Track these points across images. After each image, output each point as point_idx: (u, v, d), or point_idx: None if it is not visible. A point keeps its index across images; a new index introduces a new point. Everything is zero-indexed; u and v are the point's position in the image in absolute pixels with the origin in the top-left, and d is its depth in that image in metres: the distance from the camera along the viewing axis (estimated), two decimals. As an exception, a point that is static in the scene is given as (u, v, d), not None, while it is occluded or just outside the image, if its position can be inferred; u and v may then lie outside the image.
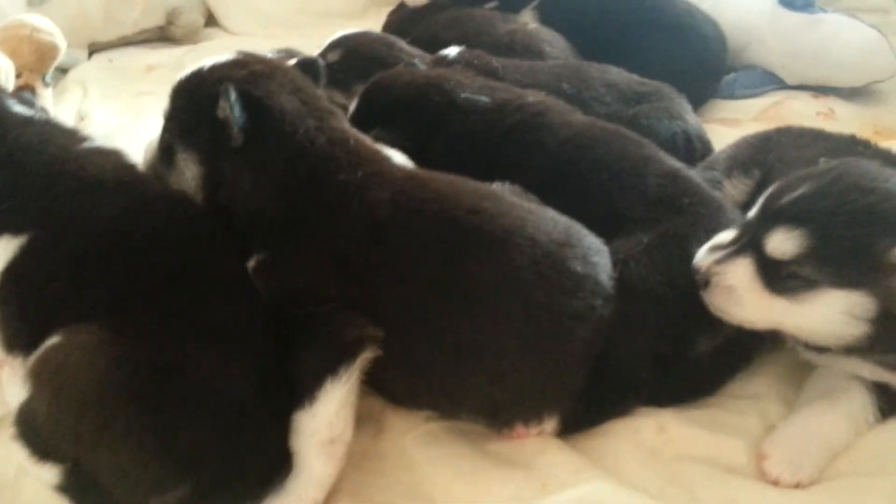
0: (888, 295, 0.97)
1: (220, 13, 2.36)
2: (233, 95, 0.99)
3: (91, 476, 0.91)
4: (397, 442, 1.07)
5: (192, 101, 1.06)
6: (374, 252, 0.98)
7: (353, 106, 1.46)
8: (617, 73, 1.62)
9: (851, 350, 1.03)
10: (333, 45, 1.65)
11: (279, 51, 1.80)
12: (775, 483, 1.04)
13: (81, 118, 1.86)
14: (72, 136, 1.16)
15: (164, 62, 2.13)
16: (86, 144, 1.15)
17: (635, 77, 1.63)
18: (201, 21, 2.30)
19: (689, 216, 1.20)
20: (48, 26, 1.50)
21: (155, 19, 2.23)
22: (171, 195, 1.07)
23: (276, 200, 1.01)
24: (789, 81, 2.00)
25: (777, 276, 1.01)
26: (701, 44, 1.92)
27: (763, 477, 1.05)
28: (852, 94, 1.97)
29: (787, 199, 1.03)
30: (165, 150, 1.08)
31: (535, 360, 1.03)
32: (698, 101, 1.88)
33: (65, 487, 0.93)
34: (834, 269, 0.98)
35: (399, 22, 2.10)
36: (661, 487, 1.05)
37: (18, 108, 1.18)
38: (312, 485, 0.93)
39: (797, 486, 1.04)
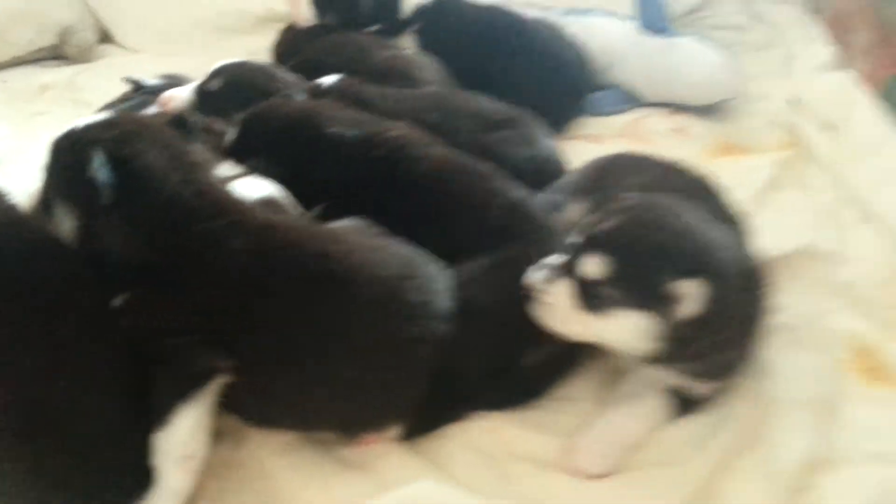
0: (670, 319, 1.15)
1: (115, 30, 2.40)
2: (100, 158, 1.10)
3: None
4: (255, 452, 1.20)
5: (68, 161, 1.15)
6: (229, 296, 1.11)
7: (232, 135, 1.57)
8: (480, 102, 1.77)
9: (655, 360, 1.22)
10: (215, 74, 1.74)
11: (164, 76, 1.89)
12: (582, 474, 1.23)
13: (-28, 142, 1.90)
14: None
15: (58, 81, 2.18)
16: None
17: (496, 105, 1.78)
18: (94, 39, 2.34)
19: (523, 242, 1.37)
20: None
21: (48, 38, 2.26)
22: (45, 236, 1.16)
23: (144, 249, 1.12)
24: (649, 100, 2.19)
25: (589, 296, 1.19)
26: (562, 68, 2.10)
27: (573, 469, 1.24)
28: (705, 111, 2.16)
29: (598, 228, 1.20)
30: (45, 203, 1.18)
31: (379, 382, 1.18)
32: (562, 120, 2.07)
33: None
34: (629, 292, 1.16)
35: (288, 42, 2.20)
36: (491, 483, 1.22)
37: None
38: (170, 496, 1.07)
39: (600, 476, 1.22)
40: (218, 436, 1.17)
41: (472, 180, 1.45)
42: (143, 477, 1.07)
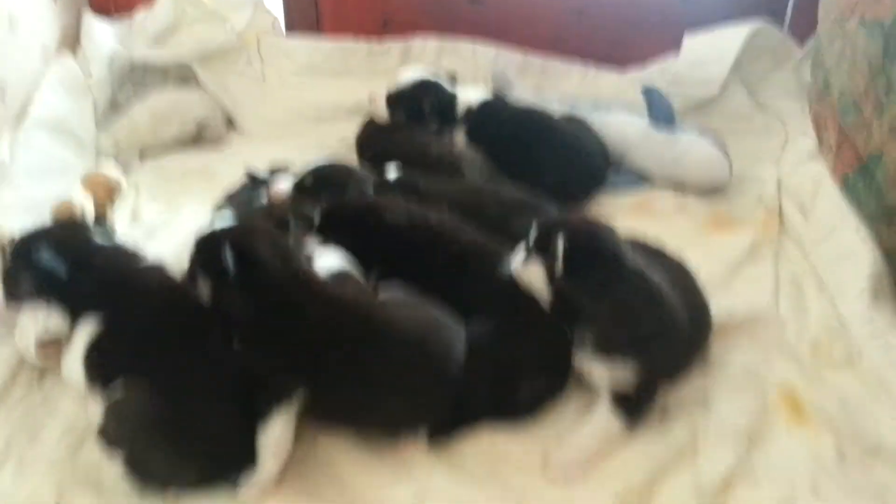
0: (549, 270, 1.70)
1: (238, 122, 2.99)
2: (228, 251, 1.64)
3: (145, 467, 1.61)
4: (323, 448, 1.70)
5: (206, 251, 1.68)
6: (307, 341, 1.64)
7: (316, 220, 2.11)
8: (502, 191, 2.26)
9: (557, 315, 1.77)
10: (309, 172, 2.27)
11: (273, 165, 2.48)
12: (555, 475, 1.69)
13: (135, 217, 2.43)
14: (133, 257, 1.86)
15: (196, 166, 2.73)
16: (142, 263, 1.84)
17: (517, 193, 2.24)
18: (224, 130, 2.93)
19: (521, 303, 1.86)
20: (115, 173, 2.21)
21: (188, 130, 2.84)
22: (191, 297, 1.72)
23: (253, 310, 1.65)
24: (657, 182, 2.62)
25: (529, 252, 1.75)
26: (585, 158, 2.57)
27: (549, 471, 1.69)
28: (705, 191, 2.56)
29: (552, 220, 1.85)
30: (191, 276, 1.72)
31: (409, 404, 1.70)
32: (583, 199, 2.56)
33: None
34: (536, 250, 1.73)
35: (367, 134, 2.73)
36: (488, 477, 1.67)
37: (99, 239, 1.86)
38: (265, 475, 1.60)
39: (567, 478, 1.68)
40: (298, 435, 1.67)
41: (487, 258, 1.94)
42: (248, 460, 1.61)
